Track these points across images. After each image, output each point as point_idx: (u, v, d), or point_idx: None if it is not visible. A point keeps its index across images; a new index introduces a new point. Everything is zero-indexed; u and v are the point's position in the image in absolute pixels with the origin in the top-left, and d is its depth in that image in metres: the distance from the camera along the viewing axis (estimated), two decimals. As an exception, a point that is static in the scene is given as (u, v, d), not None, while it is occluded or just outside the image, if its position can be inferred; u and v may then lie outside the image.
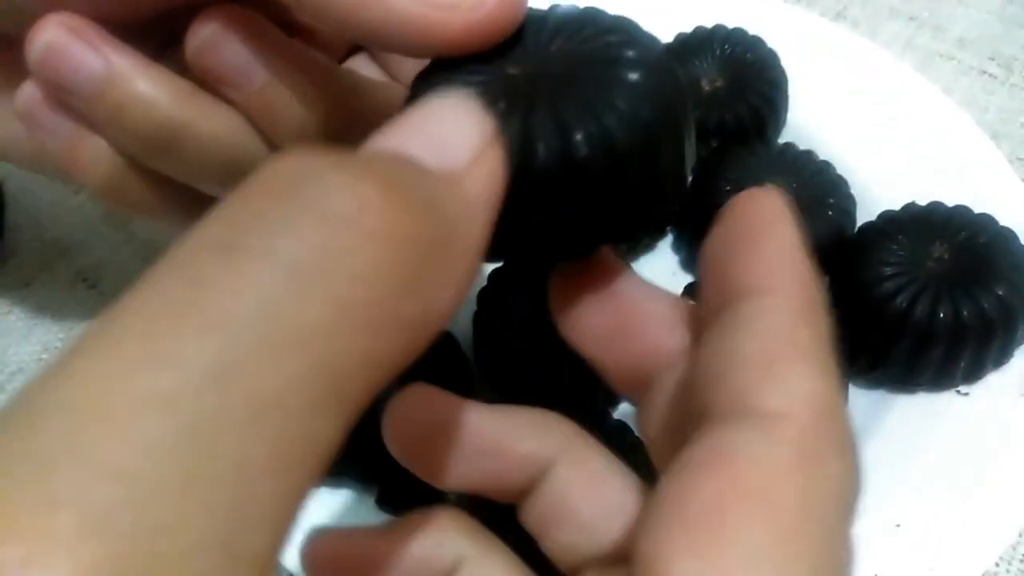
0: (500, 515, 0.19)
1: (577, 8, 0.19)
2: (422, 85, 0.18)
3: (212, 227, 0.12)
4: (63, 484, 0.09)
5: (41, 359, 0.36)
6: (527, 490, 0.19)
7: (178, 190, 0.24)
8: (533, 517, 0.19)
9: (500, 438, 0.19)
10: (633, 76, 0.16)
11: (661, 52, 0.18)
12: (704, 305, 0.17)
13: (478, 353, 0.33)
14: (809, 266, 0.16)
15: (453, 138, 0.14)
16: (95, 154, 0.23)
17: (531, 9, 0.19)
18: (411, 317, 0.12)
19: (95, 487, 0.09)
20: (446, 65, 0.18)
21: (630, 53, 0.17)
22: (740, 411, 0.14)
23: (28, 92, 0.23)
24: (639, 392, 0.19)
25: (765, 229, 0.16)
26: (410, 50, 0.18)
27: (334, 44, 0.29)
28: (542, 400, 0.31)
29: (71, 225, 0.40)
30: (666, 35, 0.40)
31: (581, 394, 0.31)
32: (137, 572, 0.09)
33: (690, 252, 0.37)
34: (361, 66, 0.30)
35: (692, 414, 0.15)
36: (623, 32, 0.18)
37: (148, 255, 0.39)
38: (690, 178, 0.19)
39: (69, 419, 0.10)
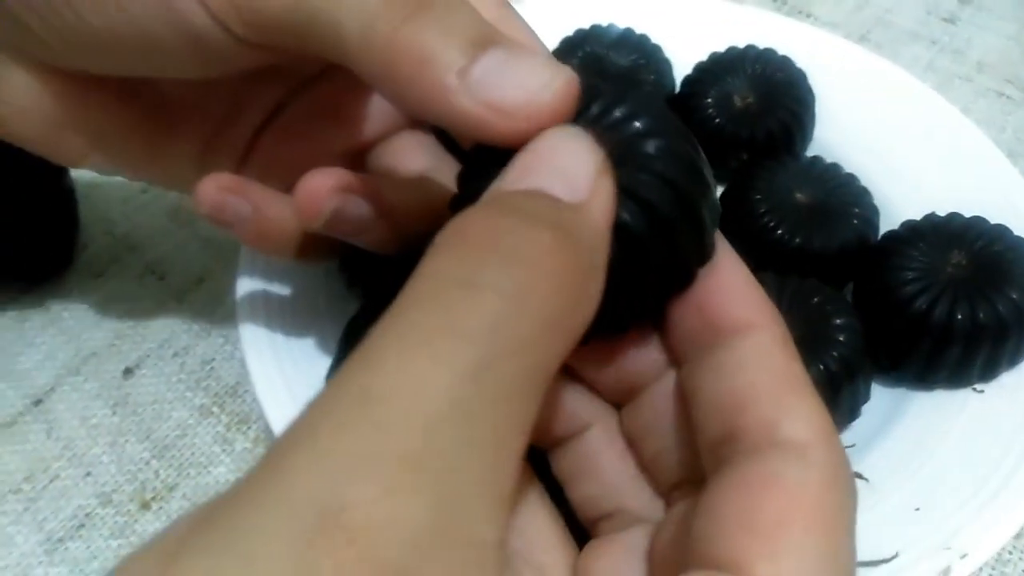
0: (533, 460, 0.22)
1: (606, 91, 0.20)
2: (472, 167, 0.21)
3: (449, 267, 0.16)
4: (386, 430, 0.14)
5: (113, 344, 0.39)
6: (562, 441, 0.22)
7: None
8: (564, 466, 0.22)
9: (556, 394, 0.22)
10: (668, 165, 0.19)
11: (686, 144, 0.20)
12: (684, 334, 0.20)
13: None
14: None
15: (576, 170, 0.18)
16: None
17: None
18: (580, 325, 0.17)
19: (405, 437, 0.14)
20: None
21: (653, 147, 0.19)
22: (774, 442, 0.17)
23: (204, 198, 0.27)
24: (619, 399, 0.22)
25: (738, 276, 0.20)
26: (468, 137, 0.20)
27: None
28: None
29: (139, 221, 0.43)
30: (701, 54, 0.43)
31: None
32: (434, 482, 0.14)
33: (722, 256, 0.39)
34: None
35: (712, 434, 0.19)
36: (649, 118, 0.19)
37: (211, 249, 0.42)
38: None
39: (372, 400, 0.14)
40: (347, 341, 0.32)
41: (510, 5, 0.28)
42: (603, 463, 0.22)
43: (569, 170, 0.18)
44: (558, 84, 0.19)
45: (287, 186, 0.30)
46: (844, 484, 0.17)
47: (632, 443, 0.22)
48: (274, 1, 0.22)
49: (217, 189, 0.27)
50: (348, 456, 0.14)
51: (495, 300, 0.15)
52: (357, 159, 0.32)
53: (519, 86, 0.19)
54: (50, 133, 0.28)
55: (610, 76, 0.42)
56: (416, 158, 0.30)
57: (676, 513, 0.20)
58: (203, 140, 0.30)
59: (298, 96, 0.31)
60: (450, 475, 0.14)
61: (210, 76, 0.26)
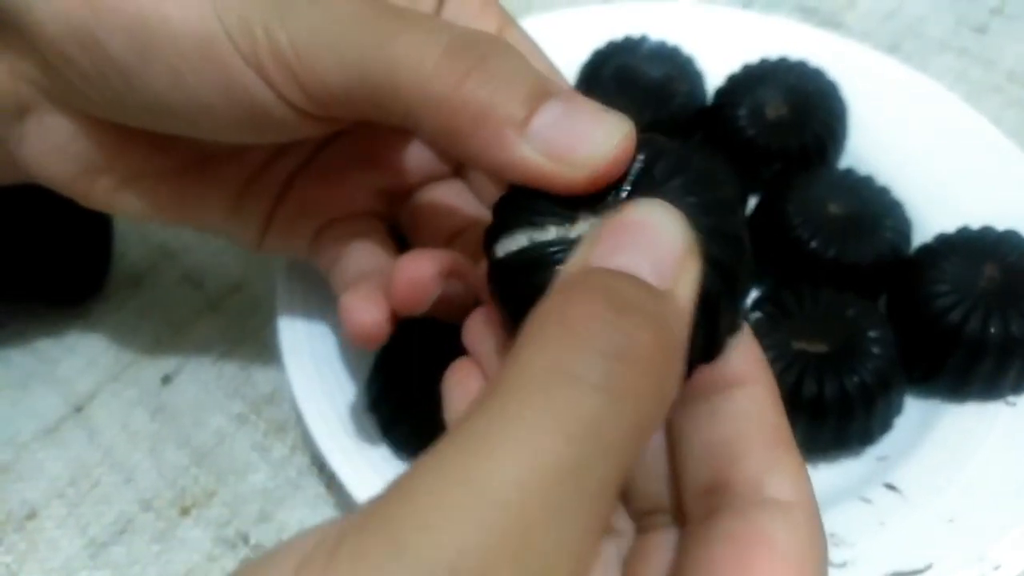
0: None
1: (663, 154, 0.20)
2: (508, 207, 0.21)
3: (549, 356, 0.16)
4: (484, 525, 0.14)
5: (152, 352, 0.40)
6: None
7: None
8: None
9: None
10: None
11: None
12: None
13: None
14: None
15: (666, 251, 0.18)
16: None
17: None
18: (664, 415, 0.17)
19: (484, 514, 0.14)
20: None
21: (705, 225, 0.19)
22: (762, 500, 0.18)
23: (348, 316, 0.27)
24: None
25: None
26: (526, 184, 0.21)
27: None
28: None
29: (176, 229, 0.44)
30: (733, 65, 0.43)
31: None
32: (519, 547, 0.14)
33: (756, 268, 0.39)
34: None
35: (701, 480, 0.20)
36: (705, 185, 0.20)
37: (247, 257, 0.42)
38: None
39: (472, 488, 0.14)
40: (386, 349, 0.32)
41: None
42: None
43: (659, 251, 0.18)
44: (618, 138, 0.19)
45: (317, 225, 0.31)
46: (823, 544, 0.18)
47: None
48: (336, 75, 0.22)
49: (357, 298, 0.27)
50: (444, 547, 0.14)
51: (596, 398, 0.15)
52: (391, 202, 0.32)
53: (581, 138, 0.19)
54: (80, 176, 0.28)
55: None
56: (460, 208, 0.31)
57: (653, 543, 0.21)
58: (238, 187, 0.30)
59: (335, 139, 0.31)
60: (543, 572, 0.14)
61: (264, 143, 0.27)
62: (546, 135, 0.20)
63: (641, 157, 0.20)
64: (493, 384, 0.16)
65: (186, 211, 0.30)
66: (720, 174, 0.20)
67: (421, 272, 0.25)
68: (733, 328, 0.20)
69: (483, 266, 0.22)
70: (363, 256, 0.30)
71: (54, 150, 0.27)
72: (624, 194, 0.20)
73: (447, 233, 0.30)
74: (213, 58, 0.23)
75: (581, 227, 0.20)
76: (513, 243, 0.20)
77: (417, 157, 0.31)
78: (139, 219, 0.30)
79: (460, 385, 0.23)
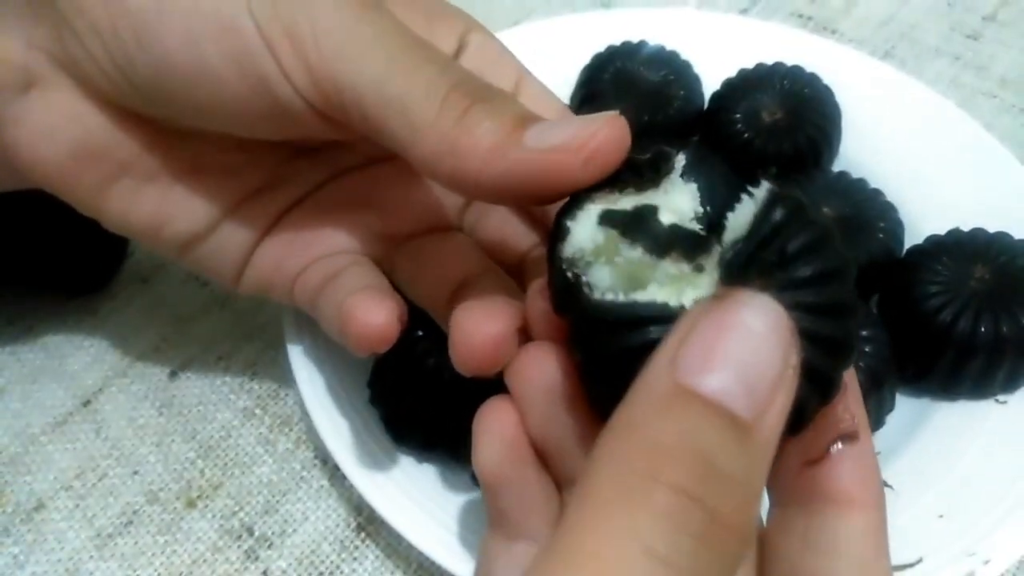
0: None
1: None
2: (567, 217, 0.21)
3: (622, 516, 0.15)
4: None
5: (159, 348, 0.40)
6: None
7: None
8: None
9: None
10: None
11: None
12: (786, 473, 0.20)
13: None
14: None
15: (762, 369, 0.16)
16: None
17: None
18: (739, 563, 0.17)
19: None
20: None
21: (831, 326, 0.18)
22: None
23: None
24: None
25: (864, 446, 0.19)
26: (539, 196, 0.22)
27: None
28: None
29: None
30: (729, 70, 0.44)
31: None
32: None
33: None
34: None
35: None
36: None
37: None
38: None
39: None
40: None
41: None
42: None
43: (756, 371, 0.16)
44: (606, 118, 0.20)
45: (302, 264, 0.29)
46: None
47: None
48: (349, 77, 0.23)
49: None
50: None
51: (670, 573, 0.15)
52: (387, 247, 0.30)
53: (571, 128, 0.21)
54: (69, 163, 0.27)
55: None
56: (464, 258, 0.29)
57: None
58: (227, 207, 0.29)
59: (337, 180, 0.31)
60: None
61: (261, 134, 0.26)
62: (538, 137, 0.21)
63: (761, 199, 0.19)
64: (568, 522, 0.15)
65: (166, 226, 0.29)
66: (832, 229, 0.19)
67: (497, 329, 0.23)
68: (825, 401, 0.19)
69: (534, 302, 0.22)
70: (359, 277, 0.28)
71: (49, 131, 0.27)
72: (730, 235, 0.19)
73: (450, 283, 0.28)
74: (231, 26, 0.23)
75: (671, 267, 0.19)
76: (587, 218, 0.20)
77: (421, 203, 0.30)
78: (118, 227, 0.29)
79: (494, 430, 0.22)
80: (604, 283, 0.20)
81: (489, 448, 0.22)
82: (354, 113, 0.23)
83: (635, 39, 0.45)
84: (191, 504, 0.36)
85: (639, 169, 0.21)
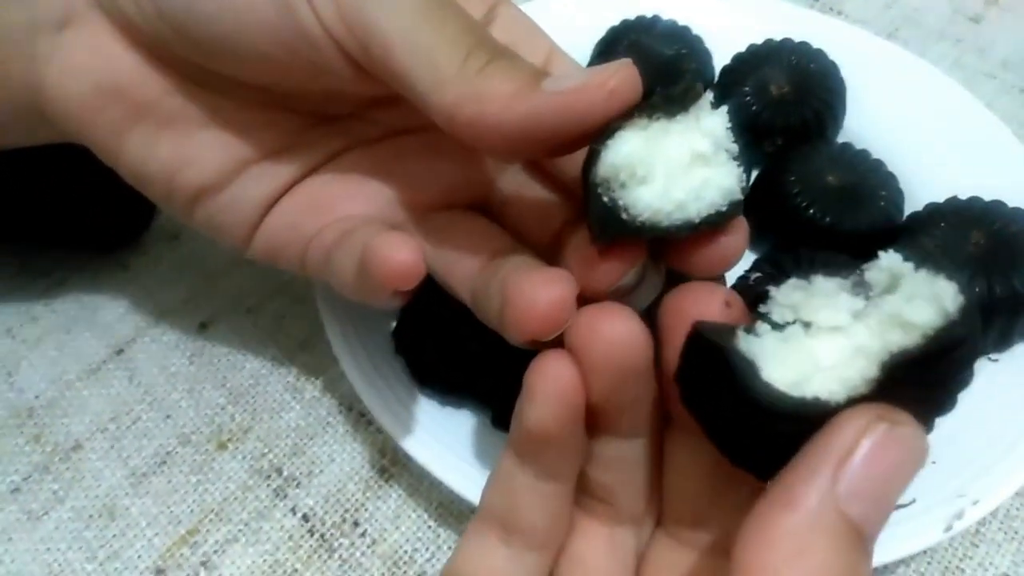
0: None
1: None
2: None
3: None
4: None
5: (189, 301, 0.42)
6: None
7: None
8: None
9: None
10: None
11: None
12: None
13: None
14: None
15: (897, 494, 0.17)
16: None
17: None
18: None
19: None
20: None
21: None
22: None
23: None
24: None
25: None
26: (561, 139, 0.22)
27: None
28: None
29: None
30: (739, 46, 0.46)
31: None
32: None
33: (757, 235, 0.42)
34: None
35: None
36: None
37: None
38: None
39: None
40: (417, 294, 0.34)
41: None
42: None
43: (893, 498, 0.17)
44: (621, 63, 0.22)
45: (317, 228, 0.29)
46: None
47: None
48: (381, 24, 0.24)
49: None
50: None
51: None
52: (406, 217, 0.30)
53: (590, 71, 0.22)
54: (92, 99, 0.27)
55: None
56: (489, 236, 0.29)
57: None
58: (244, 161, 0.29)
59: (357, 149, 0.31)
60: None
61: (285, 78, 0.27)
62: (557, 83, 0.22)
63: (952, 305, 0.17)
64: None
65: (180, 173, 0.29)
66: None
67: (560, 292, 0.23)
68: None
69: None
70: (378, 228, 0.27)
71: (76, 68, 0.27)
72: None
73: (476, 259, 0.27)
74: None
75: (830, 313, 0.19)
76: (619, 141, 0.21)
77: (444, 177, 0.30)
78: (135, 174, 0.29)
79: (552, 387, 0.21)
80: (640, 204, 0.21)
81: (544, 406, 0.21)
82: (378, 57, 0.24)
83: (649, 14, 0.47)
84: (222, 446, 0.38)
85: (670, 98, 0.22)
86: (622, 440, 0.22)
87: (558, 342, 0.22)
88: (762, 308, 0.19)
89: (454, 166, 0.30)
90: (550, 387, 0.21)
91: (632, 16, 0.47)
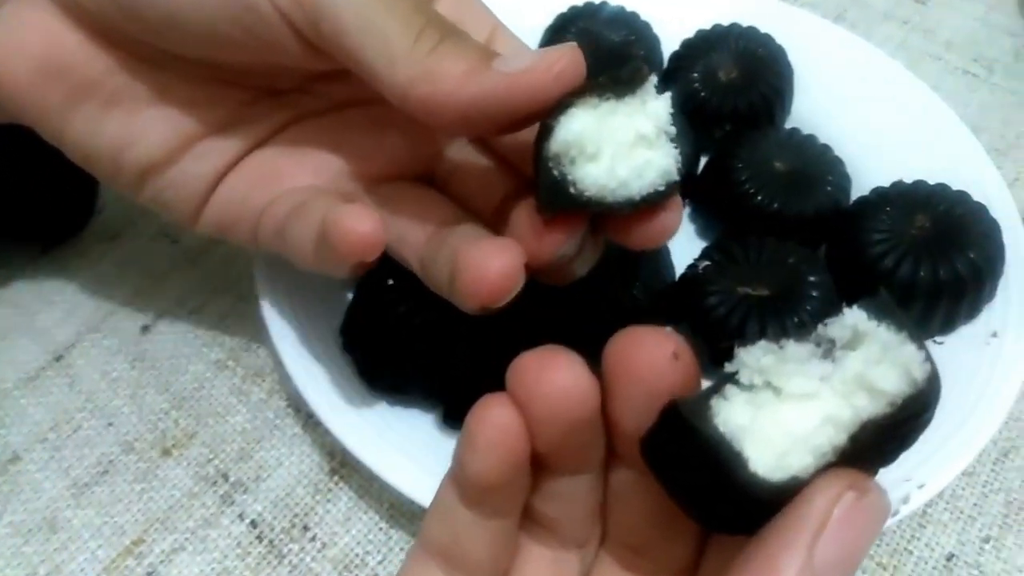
0: None
1: None
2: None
3: None
4: None
5: (130, 303, 0.41)
6: None
7: None
8: None
9: None
10: None
11: None
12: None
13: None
14: None
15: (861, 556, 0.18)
16: None
17: None
18: None
19: None
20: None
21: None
22: None
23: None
24: None
25: None
26: (510, 118, 0.24)
27: None
28: (577, 341, 0.35)
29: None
30: (688, 31, 0.45)
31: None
32: None
33: (706, 222, 0.42)
34: None
35: None
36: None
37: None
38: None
39: None
40: (364, 291, 0.34)
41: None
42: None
43: (859, 557, 0.18)
44: (568, 46, 0.23)
45: (266, 200, 0.29)
46: None
47: None
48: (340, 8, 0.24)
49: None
50: None
51: None
52: (354, 187, 0.30)
53: (538, 53, 0.23)
54: (38, 78, 0.27)
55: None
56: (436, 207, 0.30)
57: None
58: (191, 137, 0.29)
59: (304, 122, 0.31)
60: None
61: (232, 54, 0.27)
62: (507, 63, 0.23)
63: (921, 381, 0.18)
64: None
65: (127, 150, 0.29)
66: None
67: (508, 262, 0.24)
68: None
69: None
70: (332, 200, 0.28)
71: (20, 46, 0.27)
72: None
73: (425, 229, 0.28)
74: None
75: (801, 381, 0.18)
76: (570, 118, 0.23)
77: (391, 149, 0.30)
78: (81, 153, 0.29)
79: (494, 436, 0.20)
80: (587, 179, 0.23)
81: (487, 456, 0.20)
82: (329, 34, 0.24)
83: (597, 0, 0.46)
84: (166, 453, 0.37)
85: (618, 80, 0.23)
86: (568, 477, 0.21)
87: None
88: (728, 367, 0.18)
89: (400, 138, 0.30)
90: (493, 436, 0.20)
91: (580, 2, 0.46)
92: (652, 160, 0.23)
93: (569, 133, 0.23)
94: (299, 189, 0.29)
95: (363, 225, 0.25)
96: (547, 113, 0.23)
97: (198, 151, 0.29)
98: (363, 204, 0.26)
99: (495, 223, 0.28)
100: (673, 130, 0.24)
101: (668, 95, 0.24)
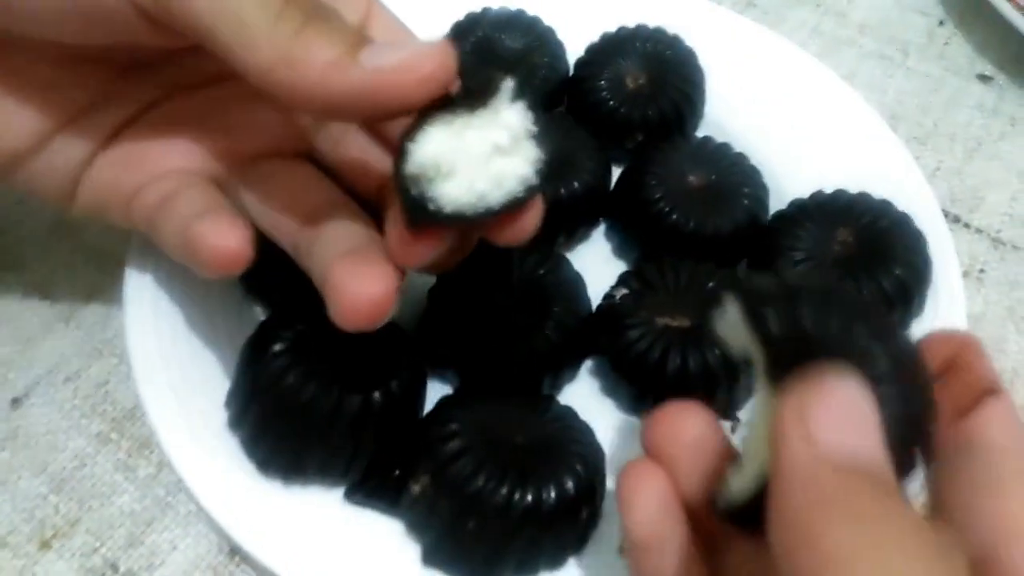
0: None
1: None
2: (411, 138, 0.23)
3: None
4: None
5: (-2, 373, 0.37)
6: None
7: None
8: None
9: None
10: None
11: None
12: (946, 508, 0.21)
13: (429, 343, 0.35)
14: None
15: (872, 426, 0.19)
16: None
17: None
18: None
19: None
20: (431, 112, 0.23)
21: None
22: None
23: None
24: None
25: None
26: (373, 114, 0.23)
27: None
28: (491, 384, 0.33)
29: (19, 236, 0.41)
30: (592, 35, 0.42)
31: (529, 381, 0.34)
32: None
33: (621, 240, 0.40)
34: None
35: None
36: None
37: (97, 263, 0.40)
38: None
39: None
40: (249, 361, 0.31)
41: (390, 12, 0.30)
42: None
43: (871, 431, 0.19)
44: (439, 45, 0.22)
45: (140, 181, 0.29)
46: None
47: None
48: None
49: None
50: None
51: None
52: (227, 168, 0.30)
53: (404, 50, 0.22)
54: None
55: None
56: (314, 186, 0.29)
57: None
58: (55, 122, 0.28)
59: (174, 98, 0.30)
60: None
61: (76, 36, 0.26)
62: (374, 57, 0.22)
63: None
64: None
65: None
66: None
67: (382, 289, 0.24)
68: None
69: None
70: (199, 199, 0.28)
71: None
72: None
73: (300, 212, 0.28)
74: None
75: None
76: (426, 139, 0.23)
77: (265, 124, 0.30)
78: None
79: (647, 491, 0.23)
80: (445, 198, 0.23)
81: (644, 510, 0.23)
82: (179, 13, 0.23)
83: (495, 5, 0.43)
84: (46, 545, 0.33)
85: (471, 92, 0.23)
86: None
87: None
88: None
89: (276, 115, 0.30)
90: (643, 489, 0.23)
91: (478, 8, 0.43)
92: (509, 169, 0.24)
93: (424, 155, 0.23)
94: (169, 174, 0.29)
95: (228, 240, 0.25)
96: (404, 132, 0.23)
97: (65, 135, 0.29)
98: (229, 214, 0.26)
99: (377, 203, 0.28)
100: (534, 129, 0.24)
101: (521, 103, 0.24)
